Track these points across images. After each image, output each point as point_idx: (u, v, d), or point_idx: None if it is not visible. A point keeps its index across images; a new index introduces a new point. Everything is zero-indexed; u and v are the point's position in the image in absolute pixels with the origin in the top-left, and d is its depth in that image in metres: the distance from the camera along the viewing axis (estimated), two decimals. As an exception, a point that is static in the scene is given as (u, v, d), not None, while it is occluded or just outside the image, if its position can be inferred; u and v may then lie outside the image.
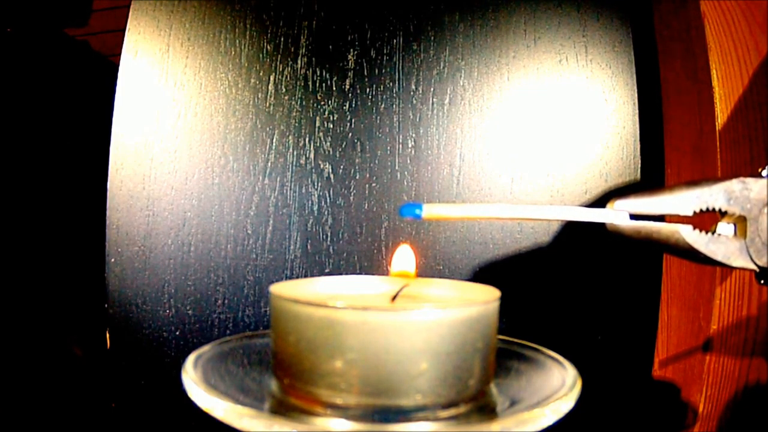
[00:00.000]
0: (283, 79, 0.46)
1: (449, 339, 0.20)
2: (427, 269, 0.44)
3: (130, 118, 0.47)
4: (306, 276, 0.45)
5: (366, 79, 0.45)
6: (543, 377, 0.23)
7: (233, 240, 0.45)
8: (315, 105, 0.46)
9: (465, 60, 0.45)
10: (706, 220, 0.24)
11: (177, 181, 0.46)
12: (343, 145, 0.45)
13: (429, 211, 0.24)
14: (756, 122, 0.37)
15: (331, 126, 0.45)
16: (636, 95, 0.44)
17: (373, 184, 0.45)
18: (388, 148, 0.45)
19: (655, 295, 0.45)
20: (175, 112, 0.46)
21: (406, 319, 0.20)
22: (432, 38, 0.46)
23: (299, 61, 0.46)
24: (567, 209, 0.26)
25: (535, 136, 0.45)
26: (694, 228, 0.24)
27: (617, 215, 0.26)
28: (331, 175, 0.45)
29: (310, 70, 0.46)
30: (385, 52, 0.46)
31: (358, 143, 0.45)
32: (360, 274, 0.44)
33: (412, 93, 0.45)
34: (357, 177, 0.45)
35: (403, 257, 0.27)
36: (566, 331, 0.44)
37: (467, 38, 0.45)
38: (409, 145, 0.45)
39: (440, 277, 0.28)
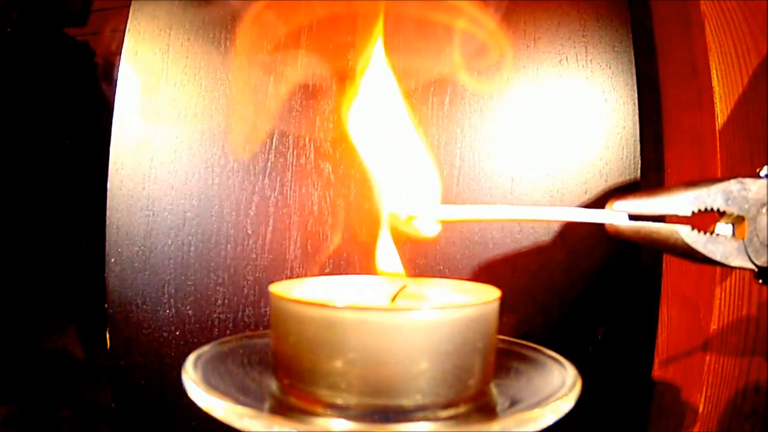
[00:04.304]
0: (283, 79, 0.46)
1: (449, 339, 0.20)
2: (427, 269, 0.44)
3: (130, 118, 0.47)
4: (306, 276, 0.45)
5: (366, 79, 0.45)
6: (543, 377, 0.23)
7: (233, 240, 0.45)
8: (315, 105, 0.46)
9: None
10: (705, 220, 0.24)
11: (177, 181, 0.46)
12: (343, 145, 0.45)
13: (430, 215, 0.25)
14: (756, 122, 0.37)
15: (331, 126, 0.45)
16: (636, 95, 0.44)
17: (374, 184, 0.44)
18: (388, 148, 0.45)
19: (655, 295, 0.45)
20: (175, 112, 0.46)
21: (406, 319, 0.20)
22: (432, 38, 0.46)
23: (299, 61, 0.46)
24: (567, 210, 0.26)
25: (534, 136, 0.45)
26: (693, 228, 0.24)
27: (616, 216, 0.26)
28: (331, 175, 0.45)
29: (311, 69, 0.46)
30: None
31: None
32: (360, 274, 0.44)
33: (411, 93, 0.45)
34: (357, 177, 0.45)
35: (387, 256, 0.27)
36: (566, 331, 0.44)
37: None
38: (409, 145, 0.45)
39: (440, 277, 0.28)
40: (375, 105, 0.26)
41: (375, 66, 0.26)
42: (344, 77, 0.46)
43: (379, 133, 0.26)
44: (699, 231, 0.24)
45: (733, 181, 0.24)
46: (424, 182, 0.26)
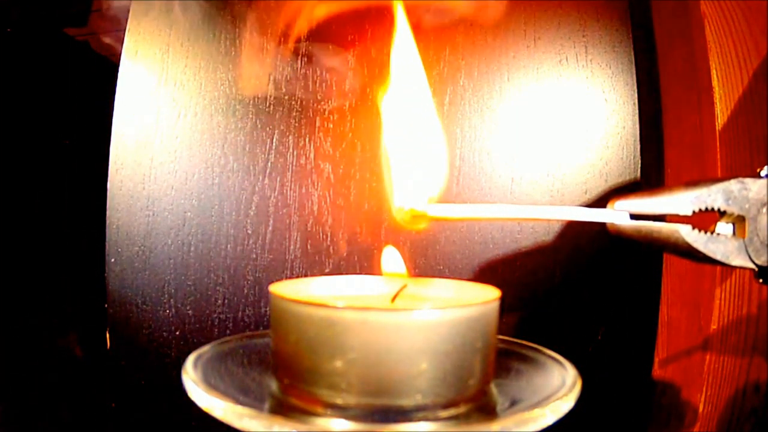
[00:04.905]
0: (283, 79, 0.46)
1: (449, 339, 0.20)
2: (427, 269, 0.44)
3: (130, 119, 0.47)
4: (306, 276, 0.45)
5: (366, 79, 0.45)
6: (543, 377, 0.23)
7: (233, 240, 0.45)
8: (315, 105, 0.46)
9: (465, 60, 0.45)
10: (706, 219, 0.24)
11: (177, 181, 0.46)
12: (343, 145, 0.45)
13: (433, 211, 0.25)
14: (756, 122, 0.37)
15: (331, 126, 0.45)
16: (636, 95, 0.44)
17: (373, 184, 0.45)
18: (388, 148, 0.45)
19: (655, 295, 0.45)
20: (175, 112, 0.46)
21: (406, 319, 0.20)
22: (432, 38, 0.46)
23: (299, 61, 0.46)
24: (568, 209, 0.26)
25: (534, 136, 0.45)
26: (694, 228, 0.24)
27: (618, 215, 0.26)
28: (331, 175, 0.45)
29: (310, 70, 0.46)
30: (385, 51, 0.46)
31: (358, 143, 0.45)
32: (360, 274, 0.44)
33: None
34: (357, 177, 0.45)
35: (391, 259, 0.27)
36: (566, 331, 0.44)
37: (467, 38, 0.45)
38: (409, 145, 0.45)
39: (440, 277, 0.28)
40: (404, 92, 0.26)
41: (406, 54, 0.26)
42: (344, 77, 0.46)
43: (404, 122, 0.26)
44: (700, 230, 0.24)
45: (733, 181, 0.24)
46: (431, 176, 0.26)
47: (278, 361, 0.22)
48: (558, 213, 0.26)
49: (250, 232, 0.45)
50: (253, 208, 0.45)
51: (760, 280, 0.24)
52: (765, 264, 0.24)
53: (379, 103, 0.26)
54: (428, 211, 0.25)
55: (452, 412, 0.21)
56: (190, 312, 0.45)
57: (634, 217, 0.26)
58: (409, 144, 0.26)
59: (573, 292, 0.44)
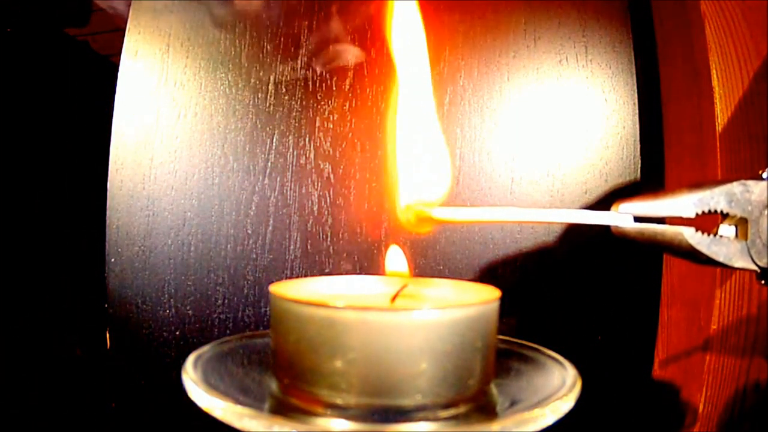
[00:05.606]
0: (283, 79, 0.46)
1: (449, 339, 0.20)
2: (427, 269, 0.44)
3: (130, 119, 0.47)
4: (306, 276, 0.45)
5: (366, 79, 0.45)
6: (543, 377, 0.23)
7: (233, 240, 0.45)
8: (315, 105, 0.46)
9: (465, 60, 0.45)
10: (709, 221, 0.24)
11: (177, 181, 0.46)
12: (343, 145, 0.45)
13: (438, 215, 0.25)
14: (756, 122, 0.37)
15: (331, 126, 0.45)
16: (636, 95, 0.44)
17: (373, 184, 0.45)
18: (388, 148, 0.45)
19: (655, 295, 0.45)
20: (175, 112, 0.46)
21: (406, 319, 0.20)
22: (432, 38, 0.46)
23: (299, 61, 0.46)
24: (573, 212, 0.26)
25: (534, 136, 0.45)
26: (697, 230, 0.24)
27: (621, 218, 0.26)
28: (331, 175, 0.45)
29: (310, 70, 0.46)
30: (384, 51, 0.46)
31: (358, 143, 0.45)
32: (360, 274, 0.44)
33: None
34: (357, 177, 0.45)
35: (395, 258, 0.27)
36: (566, 331, 0.44)
37: (467, 38, 0.45)
38: (409, 145, 0.45)
39: (440, 277, 0.28)
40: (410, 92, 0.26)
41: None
42: (345, 77, 0.46)
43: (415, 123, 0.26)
44: (703, 233, 0.24)
45: (735, 184, 0.24)
46: (437, 178, 0.26)
47: (278, 361, 0.22)
48: (563, 216, 0.26)
49: (250, 232, 0.45)
50: (253, 208, 0.45)
51: (762, 282, 0.24)
52: (766, 266, 0.24)
53: (392, 105, 0.26)
54: (433, 214, 0.25)
55: (452, 412, 0.21)
56: (190, 312, 0.45)
57: (637, 219, 0.26)
58: (417, 145, 0.26)
59: (573, 292, 0.44)
